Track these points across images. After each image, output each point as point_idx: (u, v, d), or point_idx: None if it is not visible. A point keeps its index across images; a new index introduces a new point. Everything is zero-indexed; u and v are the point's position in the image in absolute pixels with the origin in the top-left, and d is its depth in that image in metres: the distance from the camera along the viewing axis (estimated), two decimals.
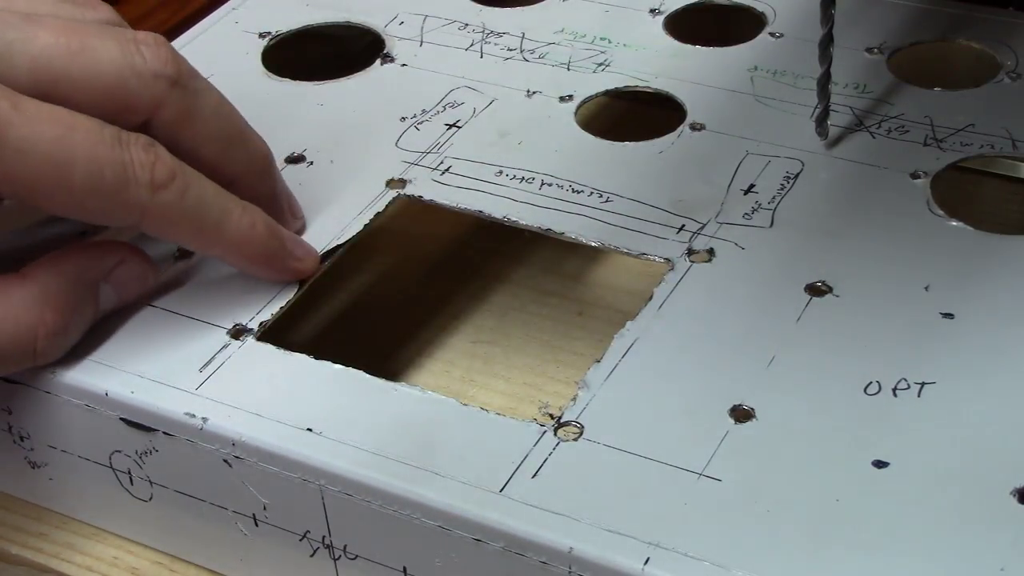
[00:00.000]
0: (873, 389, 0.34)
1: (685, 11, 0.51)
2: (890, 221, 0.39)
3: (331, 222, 0.41)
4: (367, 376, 0.35)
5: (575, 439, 0.33)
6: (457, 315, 0.44)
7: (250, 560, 0.36)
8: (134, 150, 0.34)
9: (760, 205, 0.40)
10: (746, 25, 0.50)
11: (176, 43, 0.51)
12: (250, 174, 0.39)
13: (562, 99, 0.46)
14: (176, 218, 0.36)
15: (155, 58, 0.36)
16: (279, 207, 0.40)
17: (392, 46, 0.50)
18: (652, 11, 0.51)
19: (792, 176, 0.41)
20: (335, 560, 0.34)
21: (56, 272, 0.35)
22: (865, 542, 0.30)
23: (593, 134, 0.44)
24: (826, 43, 0.41)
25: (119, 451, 0.36)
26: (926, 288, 0.37)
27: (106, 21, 0.37)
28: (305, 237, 0.40)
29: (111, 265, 0.36)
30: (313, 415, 0.34)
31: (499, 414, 0.34)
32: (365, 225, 0.40)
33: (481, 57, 0.49)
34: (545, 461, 0.32)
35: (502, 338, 0.43)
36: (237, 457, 0.34)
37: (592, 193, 0.41)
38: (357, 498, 0.33)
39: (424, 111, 0.46)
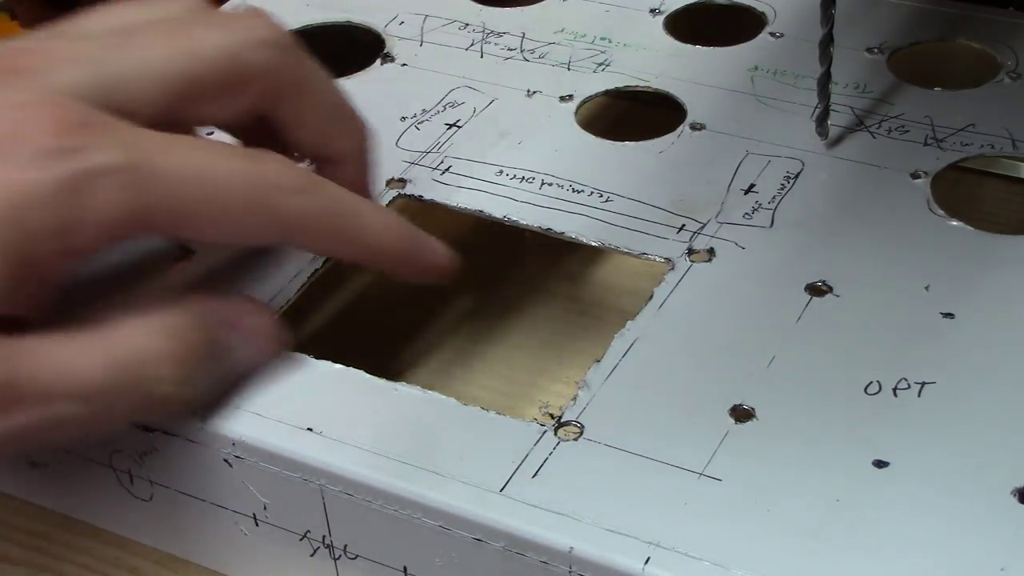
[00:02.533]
0: (873, 389, 0.34)
1: (685, 11, 0.51)
2: (890, 221, 0.39)
3: None
4: (367, 376, 0.35)
5: (575, 439, 0.33)
6: (457, 315, 0.44)
7: (250, 560, 0.36)
8: (268, 160, 0.34)
9: (760, 205, 0.40)
10: (746, 25, 0.50)
11: None
12: (358, 151, 0.38)
13: (562, 99, 0.46)
14: (321, 220, 0.35)
15: (259, 27, 0.36)
16: (369, 193, 0.39)
17: (392, 46, 0.50)
18: (652, 11, 0.51)
19: (792, 176, 0.41)
20: (335, 560, 0.34)
21: (177, 305, 0.33)
22: (865, 542, 0.30)
23: (593, 134, 0.44)
24: (826, 43, 0.41)
25: (119, 451, 0.36)
26: (926, 288, 0.37)
27: (192, 7, 0.37)
28: None
29: (238, 313, 0.34)
30: (313, 415, 0.34)
31: (499, 414, 0.34)
32: None
33: (481, 57, 0.49)
34: (545, 461, 0.32)
35: (502, 338, 0.43)
36: (237, 457, 0.34)
37: (592, 193, 0.41)
38: (357, 498, 0.33)
39: (424, 111, 0.46)
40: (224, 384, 0.34)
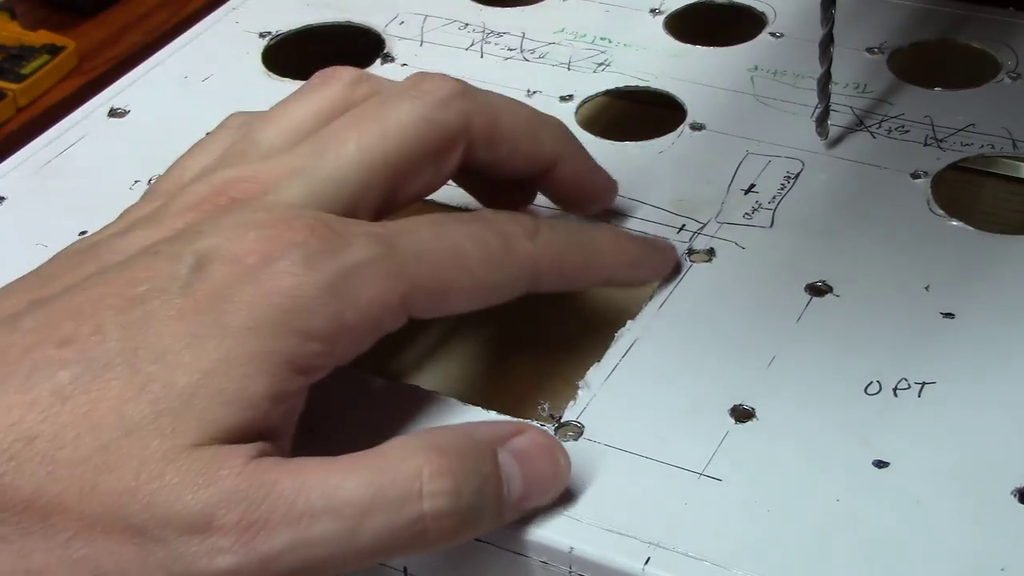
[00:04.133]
0: (873, 389, 0.34)
1: (685, 11, 0.51)
2: (890, 221, 0.39)
3: None
4: (367, 376, 0.35)
5: (575, 439, 0.33)
6: (457, 315, 0.44)
7: None
8: (491, 215, 0.34)
9: (760, 205, 0.40)
10: (746, 25, 0.50)
11: (176, 43, 0.51)
12: (568, 147, 0.38)
13: (562, 99, 0.46)
14: (566, 252, 0.35)
15: (437, 85, 0.35)
16: (603, 172, 0.39)
17: (392, 46, 0.50)
18: (652, 11, 0.51)
19: (792, 176, 0.41)
20: None
21: (444, 428, 0.32)
22: (865, 542, 0.30)
23: (593, 134, 0.44)
24: (826, 43, 0.41)
25: None
26: (926, 288, 0.37)
27: (356, 80, 0.36)
28: None
29: (508, 433, 0.31)
30: (313, 415, 0.34)
31: (499, 414, 0.34)
32: None
33: (481, 57, 0.49)
34: None
35: (502, 338, 0.43)
36: None
37: None
38: None
39: None
40: (504, 517, 0.31)
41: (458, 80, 0.36)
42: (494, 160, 0.36)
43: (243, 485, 0.28)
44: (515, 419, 0.33)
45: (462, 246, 0.33)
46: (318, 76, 0.37)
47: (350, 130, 0.34)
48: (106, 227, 0.34)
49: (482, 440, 0.31)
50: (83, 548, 0.28)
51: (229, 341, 0.29)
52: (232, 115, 0.37)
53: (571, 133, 0.38)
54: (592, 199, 0.39)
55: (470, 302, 0.33)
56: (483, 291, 0.33)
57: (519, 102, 0.37)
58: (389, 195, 0.34)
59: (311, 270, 0.30)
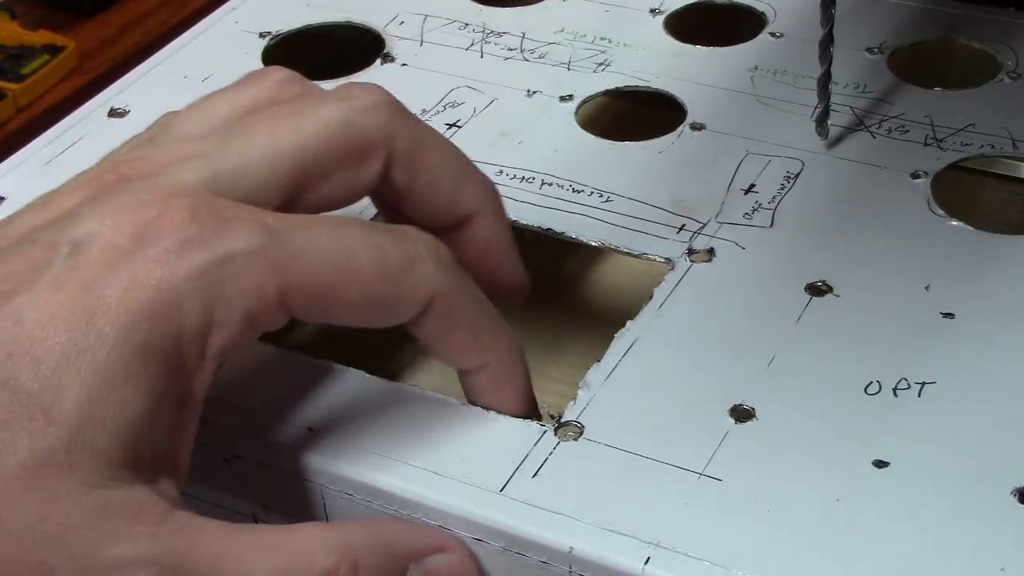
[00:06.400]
0: (873, 389, 0.34)
1: (685, 11, 0.51)
2: (890, 221, 0.39)
3: None
4: (367, 376, 0.35)
5: (575, 439, 0.33)
6: None
7: None
8: (410, 232, 0.32)
9: (760, 205, 0.40)
10: (746, 25, 0.50)
11: (176, 43, 0.51)
12: (488, 208, 0.35)
13: (562, 99, 0.46)
14: (464, 305, 0.32)
15: (369, 92, 0.34)
16: (514, 252, 0.36)
17: (392, 46, 0.50)
18: (652, 11, 0.51)
19: (792, 176, 0.41)
20: None
21: (365, 527, 0.31)
22: (865, 542, 0.30)
23: (593, 134, 0.44)
24: (826, 43, 0.41)
25: None
26: (926, 288, 0.37)
27: (287, 80, 0.35)
28: None
29: (429, 548, 0.31)
30: (313, 415, 0.34)
31: (499, 414, 0.34)
32: None
33: (481, 57, 0.49)
34: (545, 461, 0.32)
35: None
36: (237, 457, 0.34)
37: (592, 193, 0.41)
38: (357, 498, 0.33)
39: (424, 111, 0.46)
40: None
41: (391, 95, 0.34)
42: (410, 188, 0.34)
43: (157, 550, 0.28)
44: (442, 532, 0.32)
45: (356, 251, 0.30)
46: (250, 73, 0.36)
47: (264, 122, 0.32)
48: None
49: (398, 553, 0.30)
50: None
51: (102, 353, 0.27)
52: (166, 113, 0.35)
53: (499, 197, 0.36)
54: (499, 277, 0.36)
55: (355, 315, 0.31)
56: (371, 306, 0.31)
57: (453, 145, 0.35)
58: (295, 194, 0.32)
59: (182, 258, 0.28)
